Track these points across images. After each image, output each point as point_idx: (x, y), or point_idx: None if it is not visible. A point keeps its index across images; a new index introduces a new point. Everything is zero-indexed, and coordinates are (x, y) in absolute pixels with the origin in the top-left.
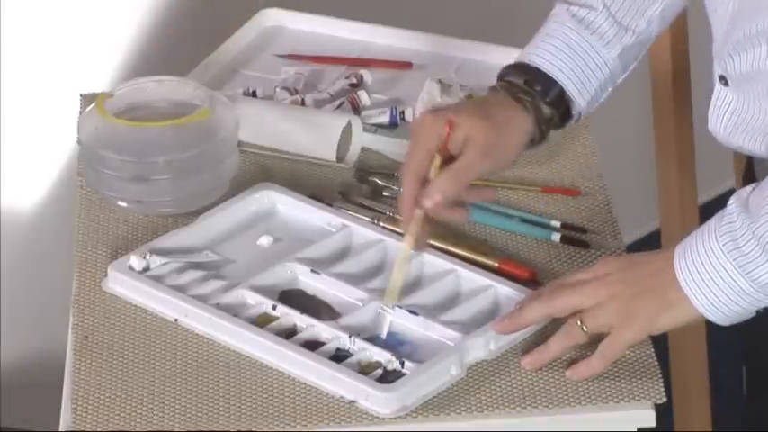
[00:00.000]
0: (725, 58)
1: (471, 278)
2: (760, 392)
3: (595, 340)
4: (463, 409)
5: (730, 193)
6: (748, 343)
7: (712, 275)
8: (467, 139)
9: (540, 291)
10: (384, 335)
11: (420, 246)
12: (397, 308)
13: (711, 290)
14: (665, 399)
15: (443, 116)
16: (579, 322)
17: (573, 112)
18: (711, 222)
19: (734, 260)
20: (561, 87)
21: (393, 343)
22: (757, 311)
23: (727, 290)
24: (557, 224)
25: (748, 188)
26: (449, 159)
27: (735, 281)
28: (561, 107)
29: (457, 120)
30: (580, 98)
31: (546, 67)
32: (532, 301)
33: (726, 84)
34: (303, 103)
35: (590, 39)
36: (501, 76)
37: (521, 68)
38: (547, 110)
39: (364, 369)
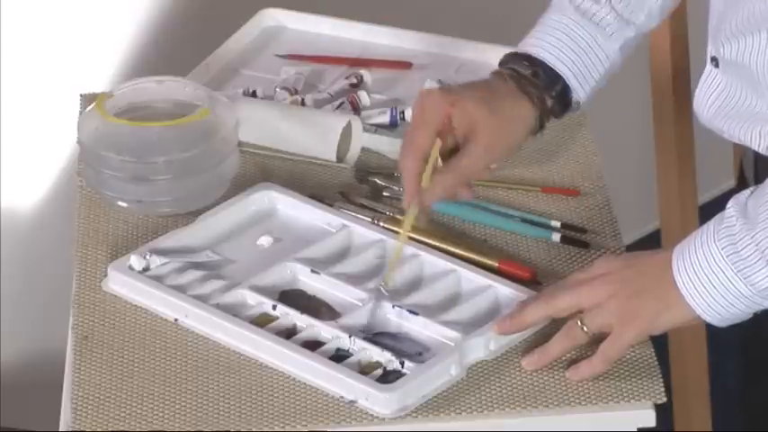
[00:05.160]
0: (720, 39)
1: (471, 278)
2: (756, 384)
3: (596, 340)
4: (463, 409)
5: (730, 193)
6: (745, 336)
7: (710, 278)
8: (472, 130)
9: (541, 292)
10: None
11: (422, 221)
12: (397, 308)
13: (709, 292)
14: (665, 399)
15: (448, 97)
16: (579, 323)
17: (572, 104)
18: (711, 224)
19: (733, 264)
20: (564, 81)
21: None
22: (755, 313)
23: (724, 292)
24: (557, 224)
25: (746, 192)
26: (443, 135)
27: (733, 284)
28: (563, 100)
29: (463, 105)
30: (581, 90)
31: (551, 60)
32: (533, 303)
33: (716, 65)
34: (303, 103)
35: (593, 31)
36: (504, 63)
37: (525, 59)
38: (550, 102)
39: (364, 369)
